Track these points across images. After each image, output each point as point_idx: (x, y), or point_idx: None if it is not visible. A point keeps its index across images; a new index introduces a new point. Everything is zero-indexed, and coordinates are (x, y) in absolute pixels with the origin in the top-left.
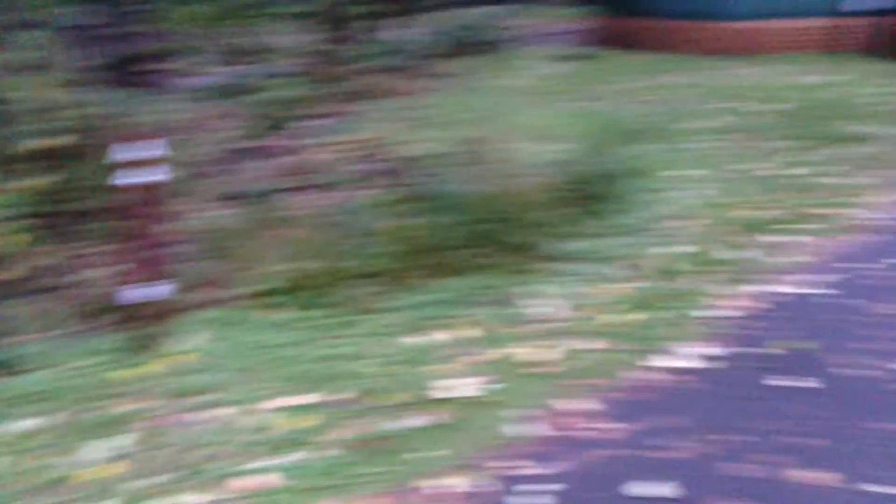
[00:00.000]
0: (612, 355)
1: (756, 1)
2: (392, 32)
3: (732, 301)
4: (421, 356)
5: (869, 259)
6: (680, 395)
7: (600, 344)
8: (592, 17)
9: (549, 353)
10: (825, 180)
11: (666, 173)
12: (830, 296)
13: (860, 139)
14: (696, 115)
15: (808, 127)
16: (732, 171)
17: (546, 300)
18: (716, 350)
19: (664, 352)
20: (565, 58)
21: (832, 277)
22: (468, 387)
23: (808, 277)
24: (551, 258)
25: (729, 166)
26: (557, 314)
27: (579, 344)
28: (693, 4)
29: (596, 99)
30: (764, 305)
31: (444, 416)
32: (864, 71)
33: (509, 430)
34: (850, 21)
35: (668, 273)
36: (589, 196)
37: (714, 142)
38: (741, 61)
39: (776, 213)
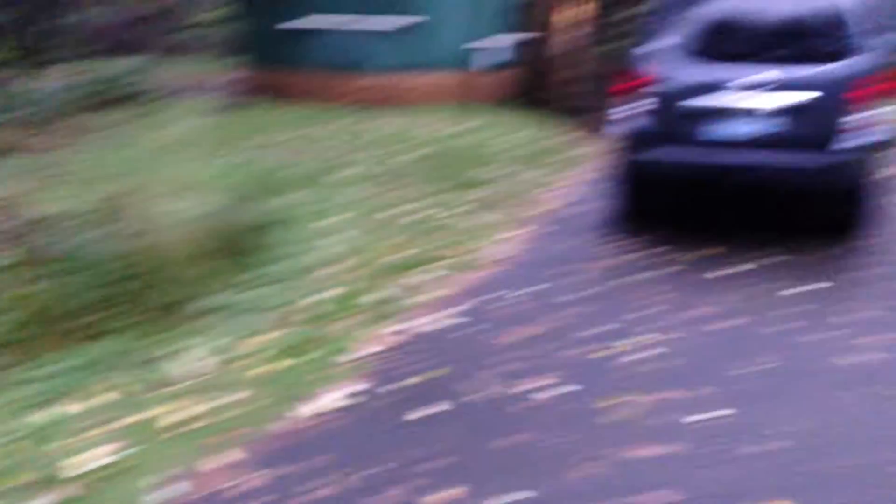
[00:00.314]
0: (259, 406)
1: (395, 55)
2: (22, 84)
3: (376, 340)
4: (50, 431)
5: (495, 290)
6: (325, 436)
7: (247, 395)
8: (242, 69)
9: (193, 410)
10: (459, 221)
11: (315, 223)
12: (462, 326)
13: (488, 182)
14: (344, 164)
15: (445, 172)
16: (378, 217)
17: (191, 357)
18: (359, 388)
19: (311, 396)
20: (215, 110)
21: (464, 309)
22: (104, 457)
23: (444, 312)
24: (197, 314)
25: (374, 213)
26: (203, 370)
27: (226, 398)
28: (336, 57)
29: (246, 151)
30: (404, 341)
31: (76, 491)
32: (492, 121)
33: (147, 497)
34: (479, 76)
35: (316, 319)
36: (237, 249)
37: (361, 190)
38: (385, 112)
39: (416, 253)
